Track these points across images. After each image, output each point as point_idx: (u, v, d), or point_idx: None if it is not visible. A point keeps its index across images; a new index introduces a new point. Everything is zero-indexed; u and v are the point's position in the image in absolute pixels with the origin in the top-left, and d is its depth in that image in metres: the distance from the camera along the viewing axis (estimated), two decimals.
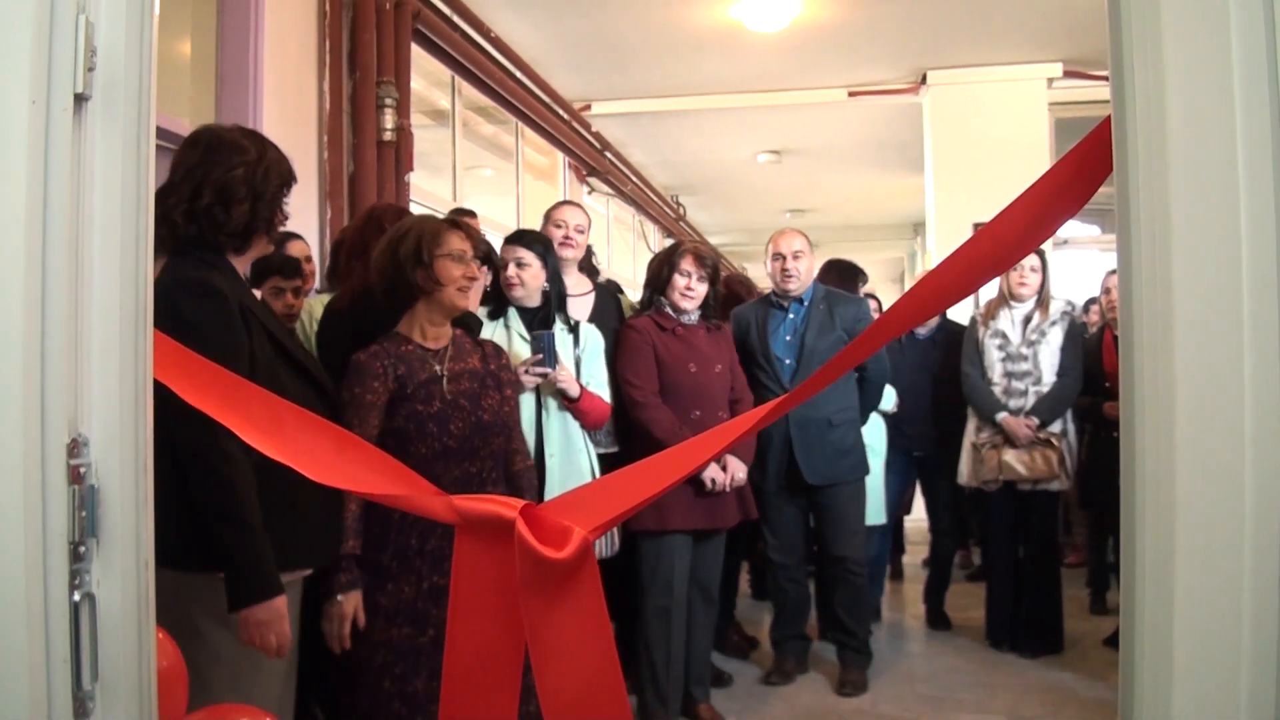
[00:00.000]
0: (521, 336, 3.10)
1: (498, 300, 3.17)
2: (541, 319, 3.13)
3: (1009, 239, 1.19)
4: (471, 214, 4.28)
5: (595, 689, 1.22)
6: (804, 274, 3.84)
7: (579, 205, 3.81)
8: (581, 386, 3.09)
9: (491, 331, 3.10)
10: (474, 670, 1.27)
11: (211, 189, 1.90)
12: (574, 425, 3.11)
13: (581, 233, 3.55)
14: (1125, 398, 0.96)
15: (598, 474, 3.15)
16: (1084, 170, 1.14)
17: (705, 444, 1.44)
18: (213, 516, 1.76)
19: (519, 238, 3.23)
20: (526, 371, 2.97)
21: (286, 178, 2.01)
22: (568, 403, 3.07)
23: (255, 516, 1.78)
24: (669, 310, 3.44)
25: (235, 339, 1.85)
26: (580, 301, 3.49)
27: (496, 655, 1.25)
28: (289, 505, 1.90)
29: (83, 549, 0.96)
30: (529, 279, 3.12)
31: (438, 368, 2.34)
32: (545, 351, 3.00)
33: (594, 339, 3.26)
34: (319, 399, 2.06)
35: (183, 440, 1.72)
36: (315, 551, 2.03)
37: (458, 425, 2.30)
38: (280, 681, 2.00)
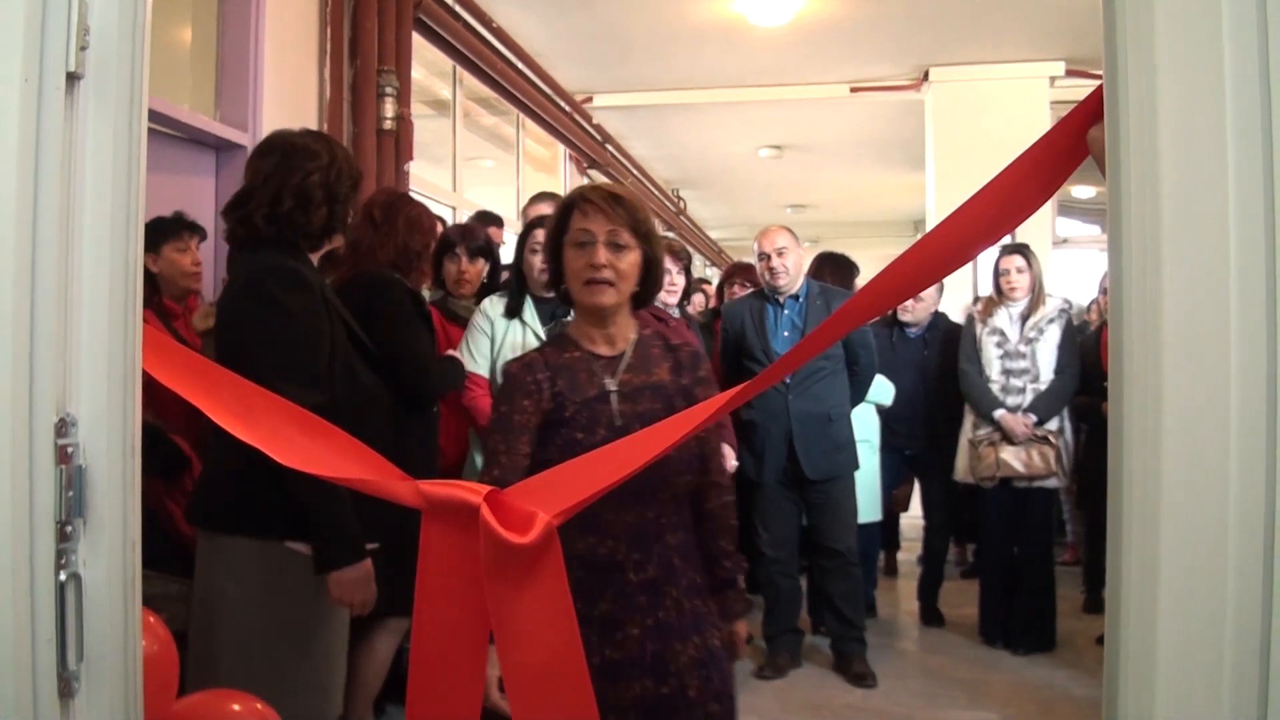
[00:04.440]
0: (537, 336, 3.05)
1: (516, 295, 3.14)
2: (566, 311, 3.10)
3: (974, 228, 1.19)
4: (498, 221, 4.29)
5: (557, 668, 1.24)
6: (792, 269, 3.84)
7: (553, 196, 3.81)
8: None
9: (505, 329, 3.07)
10: (440, 653, 1.28)
11: (291, 194, 2.04)
12: None
13: None
14: (1114, 396, 0.96)
15: None
16: (1052, 158, 1.14)
17: (673, 427, 1.43)
18: (304, 490, 1.88)
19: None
20: None
21: (356, 177, 2.17)
22: None
23: (342, 488, 1.92)
24: (657, 303, 3.47)
25: (320, 326, 2.02)
26: None
27: (462, 638, 1.26)
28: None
29: (69, 529, 0.96)
30: None
31: (608, 381, 1.84)
32: None
33: None
34: (387, 387, 2.22)
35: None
36: (383, 526, 2.13)
37: None
38: (340, 645, 2.14)
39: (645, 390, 1.84)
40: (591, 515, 1.69)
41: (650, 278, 1.88)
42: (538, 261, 3.08)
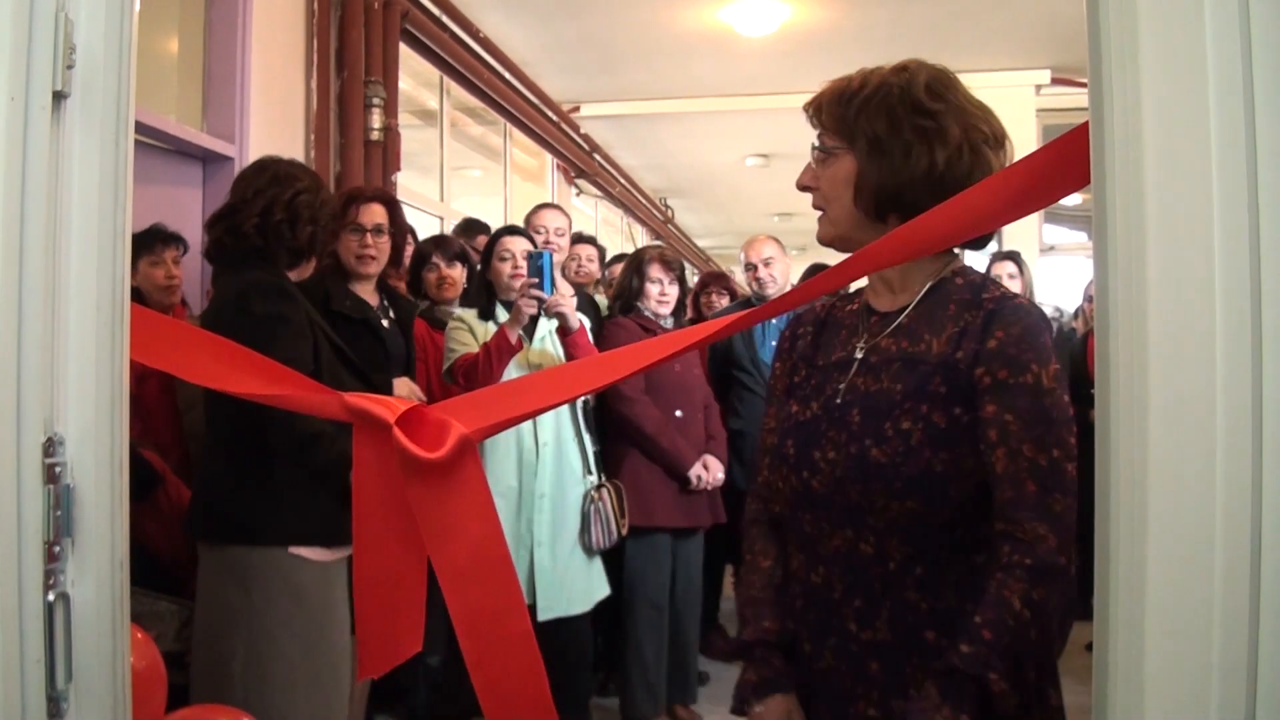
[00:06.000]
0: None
1: (487, 298, 3.15)
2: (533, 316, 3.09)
3: (981, 212, 1.19)
4: (485, 229, 4.30)
5: (483, 559, 1.26)
6: (780, 279, 3.88)
7: (558, 207, 3.83)
8: (581, 321, 3.00)
9: (483, 333, 3.08)
10: (381, 566, 1.31)
11: (282, 209, 2.18)
12: (566, 415, 3.08)
13: (562, 235, 3.57)
14: (1100, 403, 0.96)
15: (592, 469, 3.14)
16: (1067, 164, 1.14)
17: (631, 355, 1.41)
18: (317, 462, 2.04)
19: (521, 232, 3.24)
20: (521, 296, 2.82)
21: (335, 210, 2.33)
22: (562, 336, 2.99)
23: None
24: (648, 314, 3.49)
25: (302, 336, 2.11)
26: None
27: (400, 546, 1.31)
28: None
29: (57, 549, 0.95)
30: None
31: (859, 345, 1.34)
32: (543, 273, 2.70)
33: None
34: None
35: (283, 434, 2.02)
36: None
37: (827, 454, 1.28)
38: (346, 644, 2.15)
39: (895, 363, 1.27)
40: (797, 526, 1.34)
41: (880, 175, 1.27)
42: (506, 268, 3.09)
